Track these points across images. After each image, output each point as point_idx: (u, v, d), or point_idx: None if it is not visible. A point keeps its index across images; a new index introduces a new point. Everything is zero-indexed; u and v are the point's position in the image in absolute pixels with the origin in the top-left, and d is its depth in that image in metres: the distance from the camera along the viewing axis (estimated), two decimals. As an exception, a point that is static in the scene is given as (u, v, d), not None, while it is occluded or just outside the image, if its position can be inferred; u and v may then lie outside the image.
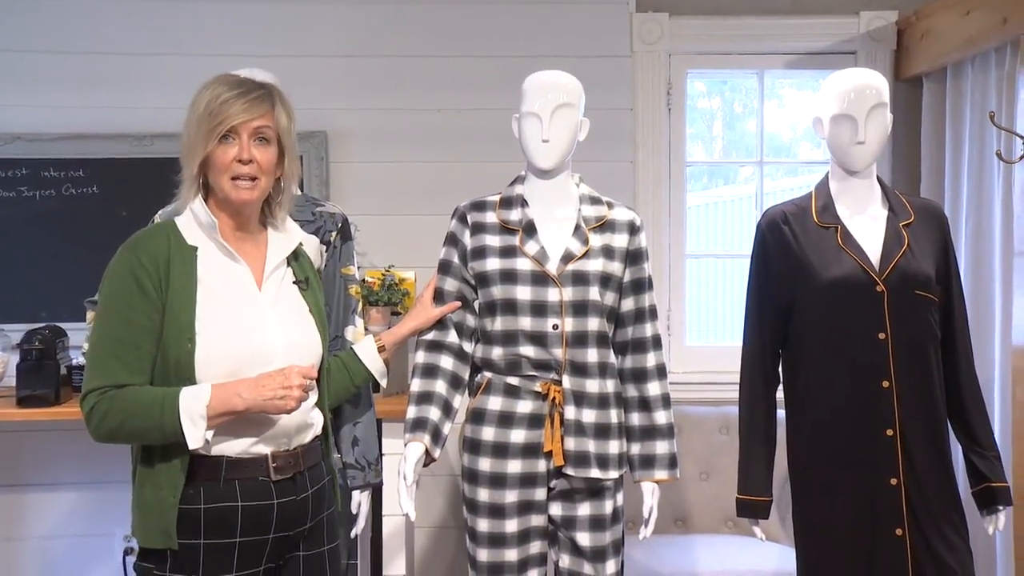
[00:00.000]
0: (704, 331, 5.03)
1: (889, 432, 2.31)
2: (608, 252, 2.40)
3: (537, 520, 2.38)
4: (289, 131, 1.99)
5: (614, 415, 2.40)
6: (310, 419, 2.02)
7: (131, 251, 1.90)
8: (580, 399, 2.35)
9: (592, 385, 2.37)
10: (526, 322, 2.34)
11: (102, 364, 1.86)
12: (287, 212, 2.06)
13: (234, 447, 1.90)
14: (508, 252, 2.38)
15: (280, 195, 2.03)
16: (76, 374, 3.35)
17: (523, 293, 2.35)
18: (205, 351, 1.87)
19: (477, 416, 2.39)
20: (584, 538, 2.37)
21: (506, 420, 2.36)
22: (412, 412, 2.37)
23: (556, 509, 2.39)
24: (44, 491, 3.60)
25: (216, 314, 1.89)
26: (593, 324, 2.36)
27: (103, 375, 1.85)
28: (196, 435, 1.82)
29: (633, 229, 2.45)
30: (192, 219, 1.96)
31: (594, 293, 2.36)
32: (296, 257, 2.09)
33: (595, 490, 2.38)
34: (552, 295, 2.34)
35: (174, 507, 1.86)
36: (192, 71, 3.47)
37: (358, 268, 2.60)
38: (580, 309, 2.35)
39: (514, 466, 2.35)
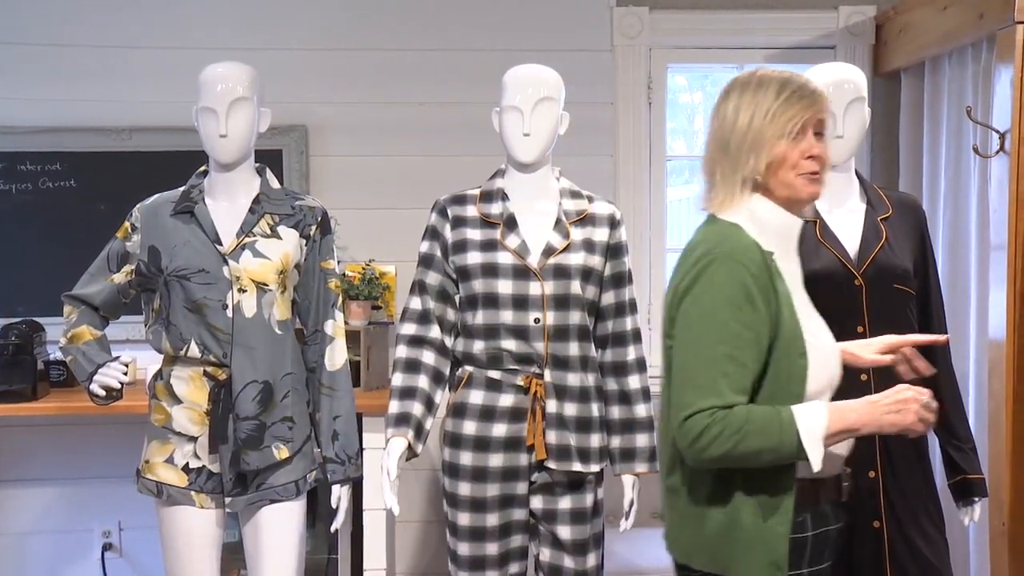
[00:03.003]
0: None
1: (867, 425, 2.33)
2: (589, 246, 2.40)
3: (518, 514, 2.38)
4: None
5: (595, 409, 2.41)
6: None
7: (736, 260, 1.74)
8: (562, 393, 2.36)
9: (573, 379, 2.37)
10: (508, 316, 2.34)
11: (710, 382, 1.70)
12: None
13: (829, 466, 1.78)
14: (489, 246, 2.38)
15: None
16: (53, 369, 3.33)
17: (504, 287, 2.35)
18: (814, 365, 1.76)
19: (458, 410, 2.39)
20: (565, 531, 2.38)
21: (488, 414, 2.36)
22: (395, 407, 2.37)
23: (537, 503, 2.40)
24: (21, 487, 3.58)
25: (808, 324, 1.80)
26: (575, 318, 2.37)
27: (711, 394, 1.69)
28: (817, 456, 1.69)
29: (613, 223, 2.45)
30: (755, 222, 1.82)
31: (575, 287, 2.36)
32: None
33: (576, 483, 2.39)
34: (534, 289, 2.35)
35: (784, 537, 1.73)
36: (171, 64, 3.50)
37: (338, 262, 2.59)
38: (562, 303, 2.36)
39: (496, 460, 2.35)
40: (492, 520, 2.35)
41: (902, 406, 1.72)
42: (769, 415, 1.70)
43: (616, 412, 2.46)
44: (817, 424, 1.69)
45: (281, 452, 2.42)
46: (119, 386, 2.46)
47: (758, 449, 1.69)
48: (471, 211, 2.42)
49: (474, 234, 2.40)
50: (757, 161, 1.80)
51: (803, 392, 1.75)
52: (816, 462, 1.69)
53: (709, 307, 1.73)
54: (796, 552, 1.77)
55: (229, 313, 2.38)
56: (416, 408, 2.35)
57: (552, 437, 2.34)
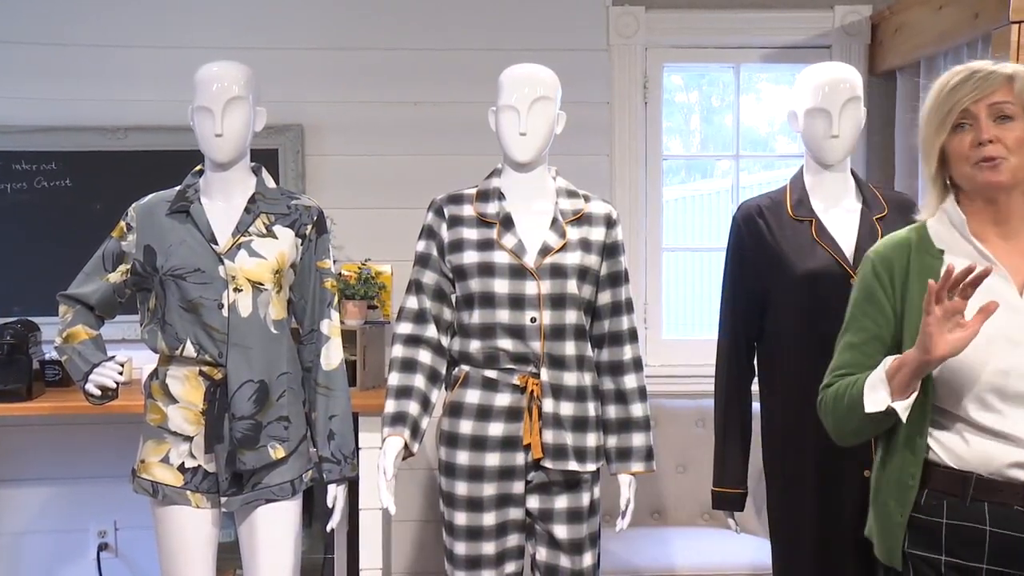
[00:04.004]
0: (681, 324, 5.05)
1: (863, 424, 2.33)
2: (585, 245, 2.40)
3: (515, 513, 2.38)
4: None
5: (591, 408, 2.41)
6: None
7: (869, 260, 1.92)
8: (558, 392, 2.36)
9: (570, 378, 2.37)
10: (504, 315, 2.34)
11: (835, 367, 1.92)
12: None
13: (988, 465, 1.76)
14: (485, 245, 2.38)
15: None
16: (49, 369, 3.32)
17: (501, 286, 2.35)
18: (952, 367, 1.75)
19: (455, 409, 2.39)
20: (561, 531, 2.38)
21: (484, 413, 2.36)
22: (391, 407, 2.37)
23: (533, 502, 2.40)
24: (16, 487, 3.57)
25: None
26: (571, 317, 2.37)
27: (827, 377, 1.93)
28: (874, 398, 1.77)
29: (610, 222, 2.45)
30: (945, 220, 1.86)
31: (572, 286, 2.36)
32: None
33: (572, 483, 2.39)
34: (530, 288, 2.35)
35: (901, 526, 1.81)
36: (167, 64, 3.50)
37: (334, 262, 2.59)
38: (558, 302, 2.36)
39: (492, 459, 2.35)
40: (488, 519, 2.35)
41: (922, 328, 1.70)
42: (847, 379, 1.86)
43: (612, 411, 2.46)
44: (879, 368, 1.78)
45: (277, 452, 2.42)
46: (115, 386, 2.46)
47: (843, 411, 1.85)
48: (467, 210, 2.42)
49: (470, 233, 2.40)
50: (929, 161, 1.85)
51: (933, 382, 1.78)
52: (869, 403, 1.77)
53: (850, 303, 1.95)
54: (927, 534, 1.80)
55: (225, 312, 2.38)
56: (412, 407, 2.35)
57: (548, 436, 2.34)
